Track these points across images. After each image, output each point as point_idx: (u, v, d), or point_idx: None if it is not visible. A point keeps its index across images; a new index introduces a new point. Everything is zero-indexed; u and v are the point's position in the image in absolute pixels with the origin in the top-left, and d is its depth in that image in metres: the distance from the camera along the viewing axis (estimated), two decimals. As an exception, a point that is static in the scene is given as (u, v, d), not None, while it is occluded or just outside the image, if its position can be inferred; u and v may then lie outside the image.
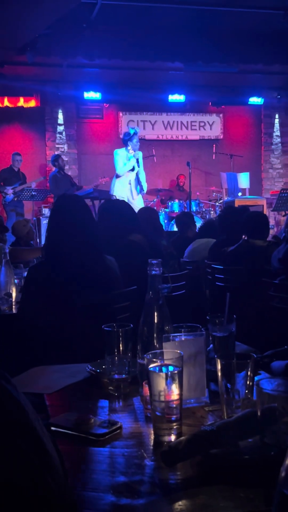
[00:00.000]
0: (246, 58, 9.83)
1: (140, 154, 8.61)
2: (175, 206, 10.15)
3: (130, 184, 8.50)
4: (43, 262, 2.56)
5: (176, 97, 11.82)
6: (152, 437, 1.19)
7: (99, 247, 2.45)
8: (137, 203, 8.31)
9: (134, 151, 8.43)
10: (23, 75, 10.58)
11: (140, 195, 8.67)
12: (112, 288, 2.46)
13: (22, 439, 0.77)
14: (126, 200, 7.86)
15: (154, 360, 1.21)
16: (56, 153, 11.17)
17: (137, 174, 8.55)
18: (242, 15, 8.75)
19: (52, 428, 1.24)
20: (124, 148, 8.51)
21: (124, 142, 8.57)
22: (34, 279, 2.35)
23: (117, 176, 8.52)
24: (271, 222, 10.55)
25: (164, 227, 8.09)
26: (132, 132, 8.54)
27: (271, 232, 10.18)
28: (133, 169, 8.47)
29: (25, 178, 10.14)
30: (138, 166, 8.55)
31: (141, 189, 8.62)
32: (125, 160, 8.42)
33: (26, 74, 10.59)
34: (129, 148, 8.44)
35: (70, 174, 10.82)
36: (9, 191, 9.76)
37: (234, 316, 1.54)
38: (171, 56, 9.62)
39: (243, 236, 4.28)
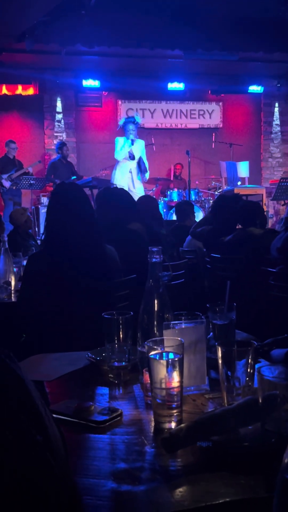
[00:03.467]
0: (246, 46, 9.76)
1: (141, 143, 8.60)
2: (174, 195, 10.14)
3: (130, 172, 8.48)
4: (43, 250, 2.56)
5: (176, 85, 11.75)
6: (153, 424, 1.19)
7: (98, 235, 2.45)
8: (138, 192, 8.29)
9: (128, 138, 8.44)
10: (21, 62, 10.50)
11: (141, 184, 8.65)
12: (111, 277, 2.46)
13: (23, 414, 0.76)
14: (127, 189, 7.85)
15: (155, 347, 1.21)
16: (55, 141, 11.11)
17: (138, 163, 8.53)
18: (243, 3, 8.67)
19: (53, 415, 1.23)
20: (125, 136, 8.56)
21: (120, 128, 8.65)
22: (34, 268, 2.35)
23: (116, 162, 8.53)
24: (271, 211, 10.54)
25: (163, 216, 8.08)
26: (129, 119, 8.58)
27: (270, 221, 10.20)
28: (133, 158, 8.45)
29: (21, 165, 10.02)
30: (139, 153, 8.53)
31: (143, 176, 8.63)
32: (122, 145, 8.45)
33: (25, 62, 10.51)
34: (128, 134, 8.48)
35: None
36: (5, 178, 9.70)
37: (234, 304, 1.54)
38: (170, 44, 9.54)
39: (238, 225, 4.29)
